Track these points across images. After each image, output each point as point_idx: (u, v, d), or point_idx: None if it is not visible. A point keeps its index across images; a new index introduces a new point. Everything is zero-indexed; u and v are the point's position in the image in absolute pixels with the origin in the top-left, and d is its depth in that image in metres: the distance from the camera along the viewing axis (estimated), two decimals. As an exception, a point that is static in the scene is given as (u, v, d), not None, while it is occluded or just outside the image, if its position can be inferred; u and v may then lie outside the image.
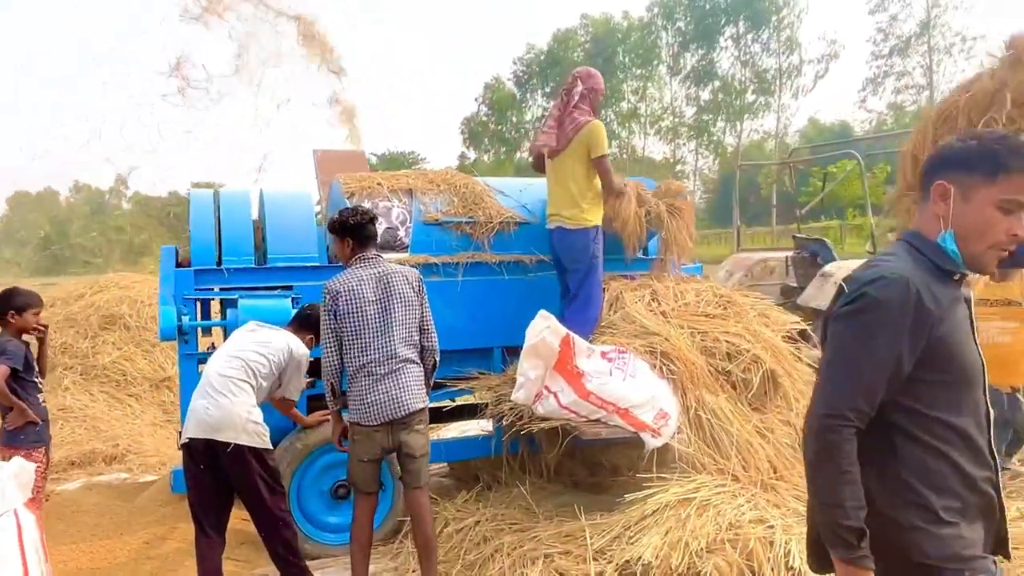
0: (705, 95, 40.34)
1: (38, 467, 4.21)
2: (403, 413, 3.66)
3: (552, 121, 4.92)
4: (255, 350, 3.93)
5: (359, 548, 3.74)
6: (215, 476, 3.75)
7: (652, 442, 3.96)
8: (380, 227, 4.98)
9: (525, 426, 4.29)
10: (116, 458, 6.68)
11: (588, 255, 4.67)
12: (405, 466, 3.77)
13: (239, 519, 4.61)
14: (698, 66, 40.22)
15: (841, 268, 6.18)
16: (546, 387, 4.07)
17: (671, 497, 3.73)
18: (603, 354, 4.05)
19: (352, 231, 3.82)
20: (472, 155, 47.45)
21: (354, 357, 3.69)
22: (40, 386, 4.38)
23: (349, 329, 3.68)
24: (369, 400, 3.65)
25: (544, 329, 3.94)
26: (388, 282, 3.75)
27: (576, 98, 4.78)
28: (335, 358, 3.74)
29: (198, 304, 4.74)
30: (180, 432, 5.36)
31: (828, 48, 36.38)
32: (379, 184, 5.19)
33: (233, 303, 4.60)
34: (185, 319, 4.49)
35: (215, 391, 3.74)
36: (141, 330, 8.35)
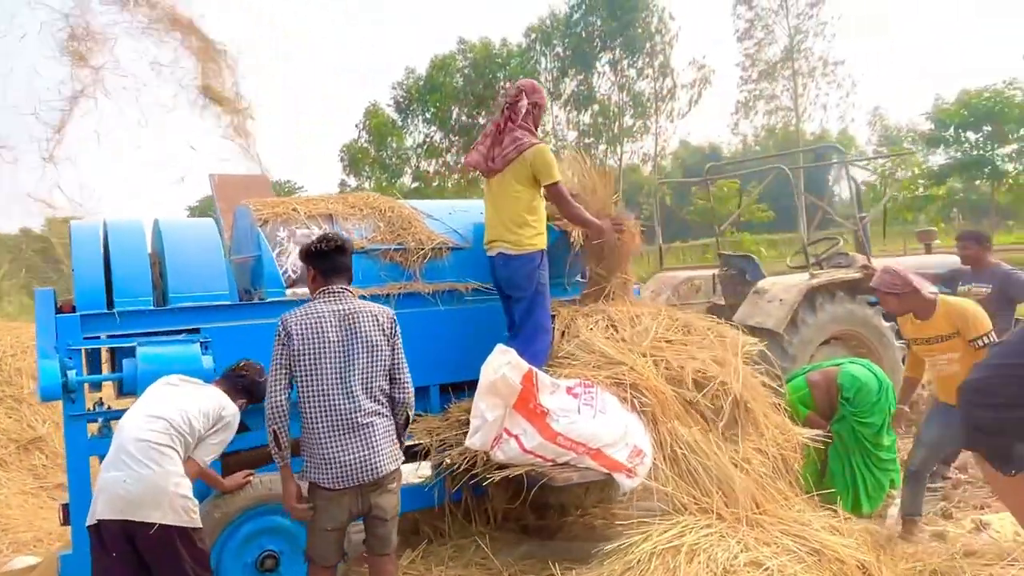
0: (586, 119, 41.09)
1: None
2: (375, 476, 3.16)
3: (487, 139, 4.52)
4: (181, 408, 3.32)
5: None
6: (130, 565, 3.11)
7: (627, 483, 3.60)
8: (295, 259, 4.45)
9: (482, 474, 3.85)
10: (-21, 537, 5.71)
11: (534, 282, 4.28)
12: (372, 530, 3.26)
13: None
14: (577, 91, 40.95)
15: (776, 284, 6.09)
16: (506, 430, 3.65)
17: (655, 544, 3.38)
18: (568, 389, 3.67)
19: (316, 259, 3.33)
20: (353, 182, 46.43)
21: (311, 406, 3.17)
22: None
23: (304, 372, 3.16)
24: (335, 460, 3.14)
25: (504, 365, 3.53)
26: (353, 322, 3.24)
27: (521, 113, 4.39)
28: (281, 399, 3.17)
29: (84, 355, 4.03)
30: (64, 507, 4.61)
31: (698, 73, 37.74)
32: (295, 210, 4.63)
33: (129, 352, 3.92)
34: (71, 374, 3.78)
35: (133, 460, 3.12)
36: (5, 384, 7.31)
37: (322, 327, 3.19)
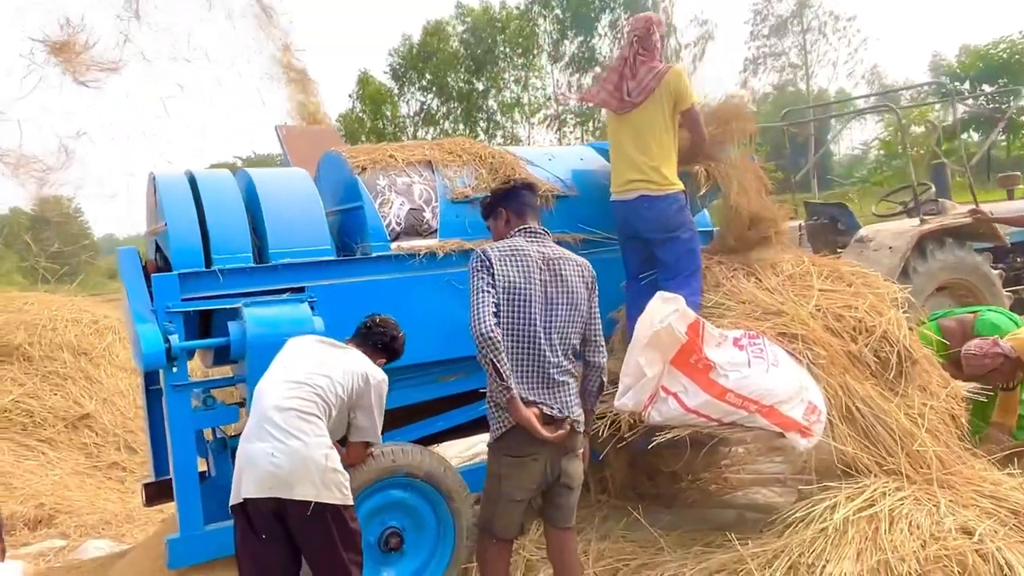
0: (587, 81, 40.40)
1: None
2: (571, 441, 2.87)
3: (615, 74, 4.10)
4: (324, 374, 2.96)
5: None
6: (281, 547, 2.78)
7: (802, 443, 3.25)
8: (403, 208, 4.06)
9: (631, 438, 3.50)
10: (43, 521, 5.36)
11: (685, 220, 3.95)
12: (557, 500, 2.93)
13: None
14: (578, 53, 40.18)
15: (882, 232, 5.72)
16: (663, 387, 3.28)
17: (846, 511, 3.04)
18: (735, 341, 3.30)
19: (507, 199, 3.04)
20: (350, 152, 45.67)
21: (508, 353, 2.81)
22: None
23: (504, 313, 2.82)
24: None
25: (671, 314, 3.15)
26: (558, 268, 2.91)
27: (653, 45, 3.99)
28: (491, 324, 2.75)
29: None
30: (146, 487, 4.25)
31: (702, 30, 37.02)
32: (391, 156, 4.22)
33: (233, 314, 3.53)
34: (173, 339, 3.39)
35: (279, 431, 2.76)
36: (47, 360, 6.90)
37: (528, 266, 2.86)
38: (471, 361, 4.20)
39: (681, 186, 4.04)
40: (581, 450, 3.02)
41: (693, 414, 3.26)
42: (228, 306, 3.54)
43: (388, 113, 46.50)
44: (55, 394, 6.74)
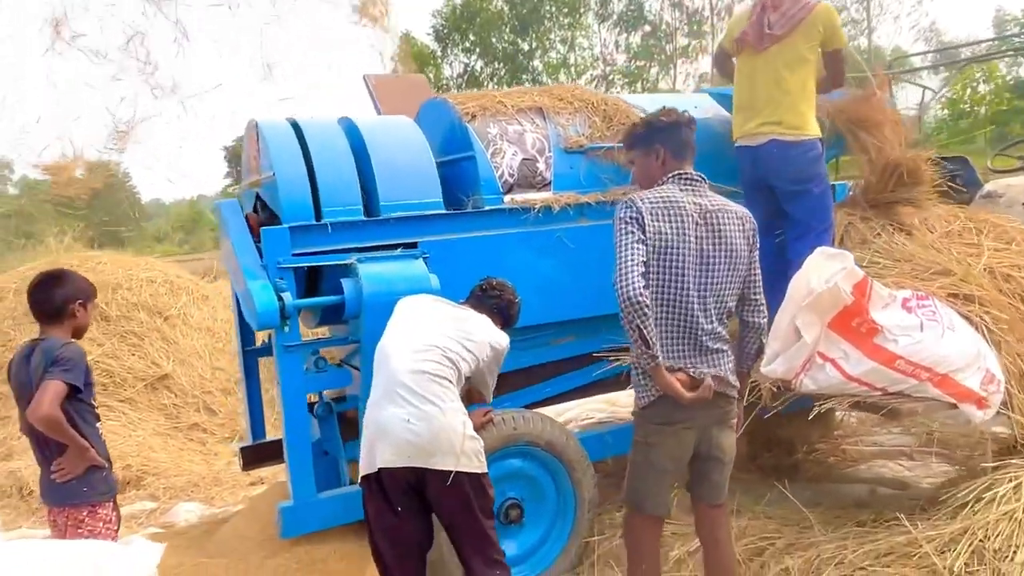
0: (636, 40, 39.37)
1: (107, 528, 2.88)
2: (722, 404, 2.58)
3: (756, 9, 3.74)
4: (453, 337, 2.74)
5: None
6: (417, 519, 2.62)
7: (977, 415, 2.93)
8: (515, 159, 3.78)
9: (774, 406, 3.22)
10: (131, 483, 5.27)
11: (819, 172, 3.61)
12: (709, 475, 2.66)
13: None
14: (626, 11, 39.13)
15: (1014, 187, 5.27)
16: (819, 353, 2.98)
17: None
18: (904, 302, 2.98)
19: (665, 134, 2.64)
20: (394, 116, 45.40)
21: (658, 315, 2.53)
22: (97, 412, 3.02)
23: (655, 272, 2.52)
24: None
25: (837, 272, 2.83)
26: (716, 221, 2.57)
27: None
28: (639, 286, 2.41)
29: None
30: (243, 451, 4.10)
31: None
32: (500, 103, 3.93)
33: (346, 270, 3.30)
34: (286, 297, 3.17)
35: (413, 395, 2.54)
36: (124, 320, 6.81)
37: (682, 220, 2.52)
38: (584, 324, 3.97)
39: (818, 132, 3.71)
40: (734, 420, 2.74)
41: (855, 383, 2.96)
42: (340, 262, 3.32)
43: (431, 76, 45.91)
44: (133, 354, 6.64)
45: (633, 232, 2.51)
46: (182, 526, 4.42)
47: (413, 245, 3.47)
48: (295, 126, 3.56)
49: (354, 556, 3.40)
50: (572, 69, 41.80)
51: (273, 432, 4.38)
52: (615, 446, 3.98)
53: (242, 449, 4.19)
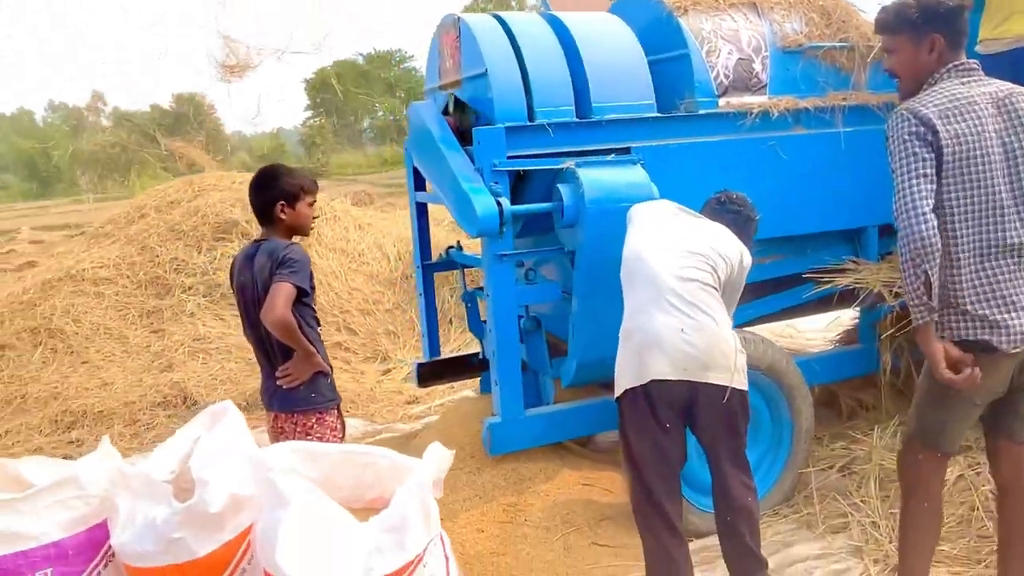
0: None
1: (333, 435, 2.80)
2: None
3: None
4: (712, 246, 2.50)
5: (931, 537, 2.37)
6: (681, 439, 2.44)
7: None
8: (731, 58, 3.45)
9: None
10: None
11: None
12: (1016, 406, 2.33)
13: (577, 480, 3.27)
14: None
15: None
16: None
17: None
18: None
19: (942, 21, 2.21)
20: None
21: (962, 236, 2.15)
22: (318, 316, 2.92)
23: (953, 187, 2.14)
24: (1016, 305, 2.16)
25: None
26: (1013, 107, 2.17)
27: None
28: (932, 223, 2.07)
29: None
30: (420, 367, 4.01)
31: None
32: (712, -4, 3.58)
33: (564, 175, 3.07)
34: (504, 203, 2.97)
35: (685, 304, 2.34)
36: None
37: (979, 119, 2.13)
38: (794, 242, 3.67)
39: None
40: None
41: None
42: (556, 166, 3.09)
43: (513, 2, 44.81)
44: (274, 272, 6.65)
45: (917, 152, 2.12)
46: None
47: (626, 150, 3.22)
48: (502, 22, 3.31)
49: (560, 477, 3.28)
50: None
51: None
52: (822, 374, 3.72)
53: (419, 365, 4.09)
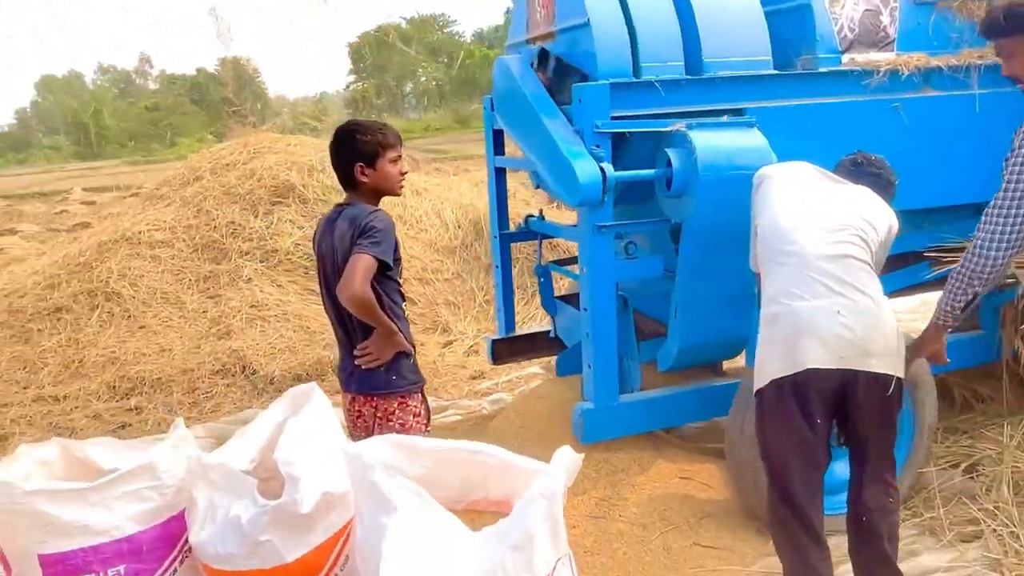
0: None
1: (417, 421, 2.56)
2: None
3: None
4: (859, 215, 2.19)
5: None
6: (827, 431, 2.19)
7: None
8: (857, 9, 3.08)
9: None
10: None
11: None
12: None
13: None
14: None
15: None
16: None
17: None
18: None
19: None
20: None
21: None
22: (403, 291, 2.67)
23: None
24: None
25: None
26: None
27: None
28: (1009, 258, 2.14)
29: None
30: (495, 343, 3.77)
31: None
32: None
33: (673, 138, 2.76)
34: (607, 168, 2.68)
35: (839, 283, 2.10)
36: (319, 203, 6.58)
37: None
38: (915, 216, 3.33)
39: None
40: None
41: None
42: (665, 128, 2.78)
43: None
44: (331, 238, 6.44)
45: None
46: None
47: (738, 111, 2.89)
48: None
49: (655, 469, 3.02)
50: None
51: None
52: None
53: (494, 341, 3.84)
